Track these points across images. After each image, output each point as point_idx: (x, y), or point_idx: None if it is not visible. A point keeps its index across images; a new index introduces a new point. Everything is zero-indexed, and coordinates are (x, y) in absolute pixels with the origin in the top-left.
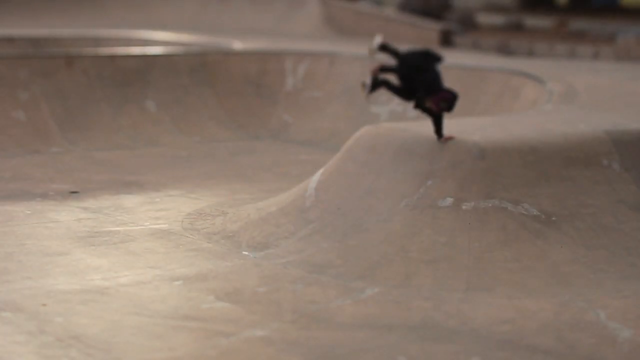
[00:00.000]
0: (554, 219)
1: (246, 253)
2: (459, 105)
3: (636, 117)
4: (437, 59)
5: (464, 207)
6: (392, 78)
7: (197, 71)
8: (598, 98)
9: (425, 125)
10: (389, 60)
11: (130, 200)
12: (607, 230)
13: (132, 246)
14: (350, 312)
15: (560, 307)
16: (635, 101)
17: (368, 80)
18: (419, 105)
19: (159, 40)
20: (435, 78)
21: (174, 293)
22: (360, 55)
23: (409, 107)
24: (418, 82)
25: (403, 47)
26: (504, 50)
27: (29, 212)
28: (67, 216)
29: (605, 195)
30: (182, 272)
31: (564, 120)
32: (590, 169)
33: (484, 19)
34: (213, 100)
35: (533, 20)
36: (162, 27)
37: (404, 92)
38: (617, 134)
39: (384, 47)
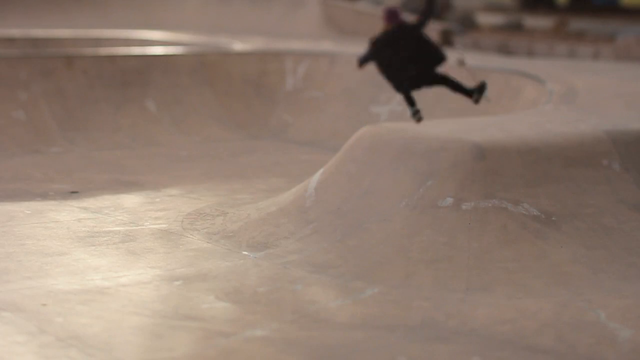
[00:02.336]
0: (554, 219)
1: (246, 253)
2: (459, 105)
3: (636, 117)
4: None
5: (464, 207)
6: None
7: (197, 71)
8: (598, 98)
9: (426, 125)
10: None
11: (130, 200)
12: (607, 230)
13: (132, 246)
14: (350, 312)
15: (560, 307)
16: (635, 101)
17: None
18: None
19: (159, 40)
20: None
21: (174, 293)
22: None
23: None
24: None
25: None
26: (504, 50)
27: (29, 212)
28: (67, 216)
29: (605, 195)
30: (182, 272)
31: (564, 120)
32: (590, 169)
33: (484, 18)
34: (213, 100)
35: (533, 20)
36: (162, 27)
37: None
38: (617, 134)
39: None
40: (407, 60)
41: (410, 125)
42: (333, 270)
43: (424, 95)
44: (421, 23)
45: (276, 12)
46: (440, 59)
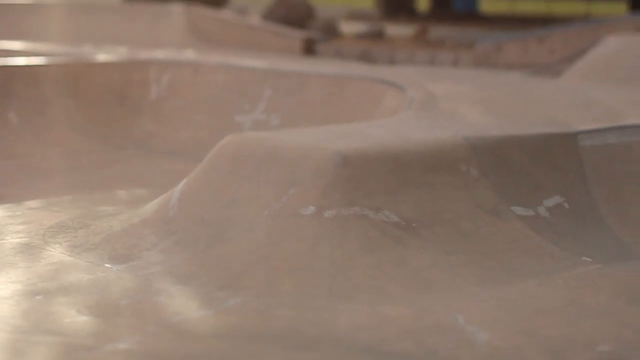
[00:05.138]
0: (414, 225)
1: (108, 265)
2: (320, 113)
3: (494, 124)
4: None
5: (326, 215)
6: None
7: (60, 82)
8: (457, 104)
9: (289, 134)
10: None
11: None
12: (465, 235)
13: None
14: (213, 322)
15: (420, 312)
16: (494, 107)
17: None
18: None
19: (21, 50)
20: None
21: (35, 308)
22: (224, 64)
23: (273, 115)
24: None
25: (268, 55)
26: (366, 58)
27: None
28: None
29: (464, 200)
30: (43, 286)
31: (424, 127)
32: (449, 175)
33: (346, 27)
34: (76, 111)
35: (395, 29)
36: (24, 37)
37: None
38: (476, 140)
39: None
40: None
41: (273, 134)
42: (196, 280)
43: (286, 103)
44: None
45: (141, 22)
46: None
